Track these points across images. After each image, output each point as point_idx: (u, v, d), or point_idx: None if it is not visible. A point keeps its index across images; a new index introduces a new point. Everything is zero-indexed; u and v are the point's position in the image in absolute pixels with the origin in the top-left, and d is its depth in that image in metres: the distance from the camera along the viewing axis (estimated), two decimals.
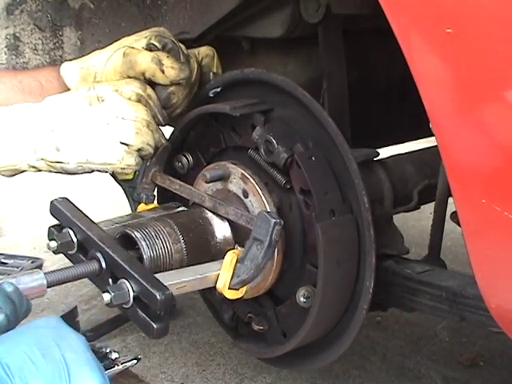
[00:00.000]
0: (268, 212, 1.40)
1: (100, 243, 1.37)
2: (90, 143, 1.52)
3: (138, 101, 1.55)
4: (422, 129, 1.41)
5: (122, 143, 1.53)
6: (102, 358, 1.93)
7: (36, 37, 1.95)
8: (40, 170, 1.57)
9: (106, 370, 1.91)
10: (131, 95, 1.55)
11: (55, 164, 1.54)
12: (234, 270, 1.40)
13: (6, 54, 1.93)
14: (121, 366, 1.95)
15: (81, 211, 1.47)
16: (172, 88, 1.58)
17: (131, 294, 1.29)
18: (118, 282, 1.31)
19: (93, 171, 1.58)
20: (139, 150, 1.55)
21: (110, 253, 1.35)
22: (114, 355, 1.96)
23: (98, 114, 1.52)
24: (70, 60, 1.67)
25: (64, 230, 1.45)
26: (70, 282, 1.35)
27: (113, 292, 1.29)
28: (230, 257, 1.41)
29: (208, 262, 1.49)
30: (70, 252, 1.45)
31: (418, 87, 1.14)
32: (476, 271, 1.19)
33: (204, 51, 1.68)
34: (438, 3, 1.11)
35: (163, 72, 1.55)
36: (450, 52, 1.11)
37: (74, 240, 1.44)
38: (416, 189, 1.66)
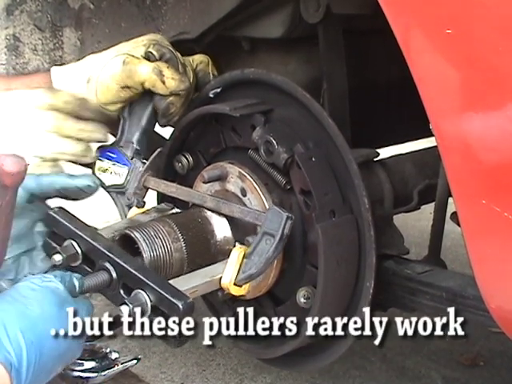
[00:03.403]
0: (280, 207, 1.40)
1: (109, 254, 1.35)
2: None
3: (49, 108, 1.54)
4: (422, 129, 1.41)
5: (36, 156, 1.53)
6: (102, 358, 1.93)
7: (36, 37, 1.95)
8: None
9: (106, 370, 1.91)
10: (39, 104, 1.54)
11: None
12: (240, 265, 1.40)
13: (5, 54, 1.93)
14: (121, 366, 1.95)
15: (79, 219, 1.45)
16: (171, 98, 1.57)
17: (149, 304, 1.27)
18: (134, 293, 1.28)
19: None
20: (54, 159, 1.54)
21: (122, 263, 1.33)
22: (114, 355, 1.95)
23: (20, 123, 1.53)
24: (61, 65, 1.66)
25: (66, 242, 1.41)
26: (81, 294, 1.32)
27: (131, 304, 1.26)
28: (237, 252, 1.40)
29: (208, 260, 1.49)
30: (73, 264, 1.43)
31: (417, 87, 1.14)
32: (476, 272, 1.19)
33: (198, 58, 1.67)
34: (437, 4, 1.11)
35: (164, 83, 1.54)
36: (450, 52, 1.11)
37: (79, 251, 1.41)
38: (416, 189, 1.66)
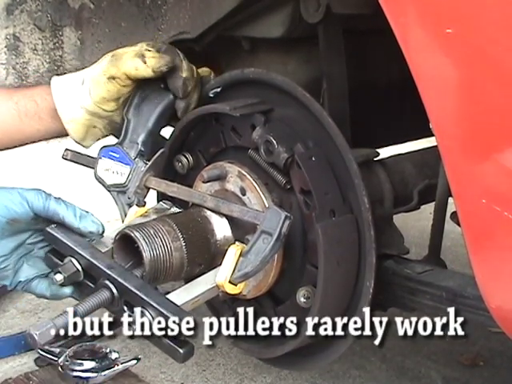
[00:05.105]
0: (278, 206, 1.40)
1: (109, 272, 1.35)
2: None
3: None
4: (422, 129, 1.41)
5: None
6: (102, 358, 1.93)
7: (36, 37, 1.95)
8: None
9: (106, 369, 1.92)
10: None
11: None
12: (236, 264, 1.39)
13: (5, 54, 1.93)
14: (121, 366, 1.95)
15: (78, 234, 1.45)
16: (184, 75, 1.58)
17: (151, 321, 1.28)
18: (136, 312, 1.30)
19: None
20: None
21: (122, 282, 1.33)
22: (114, 355, 1.96)
23: None
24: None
25: (66, 260, 1.42)
26: (86, 316, 1.33)
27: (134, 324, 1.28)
28: (234, 250, 1.39)
29: (208, 259, 1.49)
30: (75, 281, 1.43)
31: (417, 87, 1.14)
32: (476, 271, 1.19)
33: (201, 71, 1.69)
34: (437, 3, 1.11)
35: (145, 63, 1.55)
36: (450, 52, 1.11)
37: (80, 268, 1.41)
38: (416, 189, 1.66)
